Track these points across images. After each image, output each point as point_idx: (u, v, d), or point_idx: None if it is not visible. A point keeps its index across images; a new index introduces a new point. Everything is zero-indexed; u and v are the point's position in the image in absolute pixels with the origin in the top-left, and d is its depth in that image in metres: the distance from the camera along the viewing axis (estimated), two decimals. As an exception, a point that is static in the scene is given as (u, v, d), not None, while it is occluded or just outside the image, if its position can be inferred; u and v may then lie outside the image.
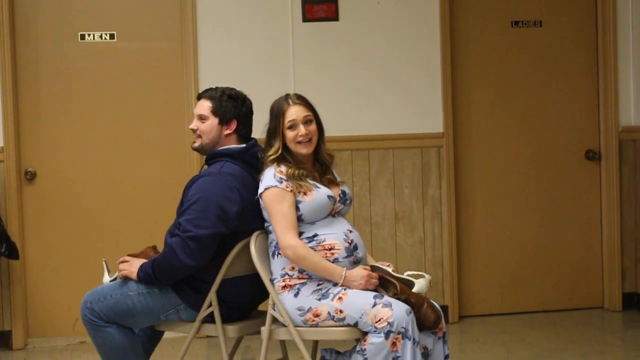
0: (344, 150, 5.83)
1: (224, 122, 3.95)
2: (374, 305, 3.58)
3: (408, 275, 3.80)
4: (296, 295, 3.72)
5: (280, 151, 3.78)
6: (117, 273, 3.96)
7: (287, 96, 3.85)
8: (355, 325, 3.62)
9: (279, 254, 3.76)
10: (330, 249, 3.72)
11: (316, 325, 3.70)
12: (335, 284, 3.69)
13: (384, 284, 3.70)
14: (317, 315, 3.68)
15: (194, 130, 4.01)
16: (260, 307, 4.06)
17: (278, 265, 3.78)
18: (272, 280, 3.80)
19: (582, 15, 6.23)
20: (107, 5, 5.80)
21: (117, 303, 3.85)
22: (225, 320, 3.86)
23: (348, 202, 3.91)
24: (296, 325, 3.73)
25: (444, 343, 3.77)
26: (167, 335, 4.23)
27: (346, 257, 3.74)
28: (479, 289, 6.16)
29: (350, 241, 3.77)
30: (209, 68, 5.75)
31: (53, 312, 5.75)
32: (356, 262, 3.77)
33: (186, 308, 3.87)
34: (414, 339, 3.54)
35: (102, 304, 3.86)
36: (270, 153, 3.80)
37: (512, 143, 6.18)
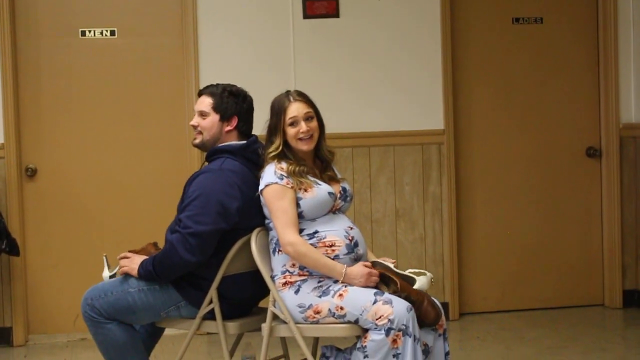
0: (345, 147, 5.83)
1: (224, 118, 3.95)
2: (375, 302, 3.58)
3: (410, 272, 3.80)
4: (297, 292, 3.72)
5: (281, 148, 3.78)
6: (117, 268, 3.96)
7: (287, 93, 3.85)
8: (356, 322, 3.62)
9: (279, 250, 3.76)
10: (331, 246, 3.72)
11: (317, 322, 3.70)
12: (336, 281, 3.69)
13: (384, 280, 3.69)
14: (318, 312, 3.68)
15: (194, 127, 4.00)
16: (261, 304, 4.07)
17: (279, 262, 3.78)
18: (272, 277, 3.80)
19: (583, 12, 6.23)
20: (107, 2, 5.80)
21: (117, 300, 3.85)
22: (226, 317, 3.85)
23: (349, 198, 3.91)
24: (297, 322, 3.73)
25: (445, 340, 3.77)
26: (168, 332, 4.22)
27: (347, 254, 3.74)
28: (480, 286, 6.16)
29: (351, 238, 3.77)
30: (210, 64, 5.74)
31: (54, 309, 5.75)
32: (357, 259, 3.77)
33: (187, 305, 3.87)
34: (414, 336, 3.54)
35: (102, 300, 3.86)
36: (270, 150, 3.79)
37: (513, 140, 6.17)
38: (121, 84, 5.80)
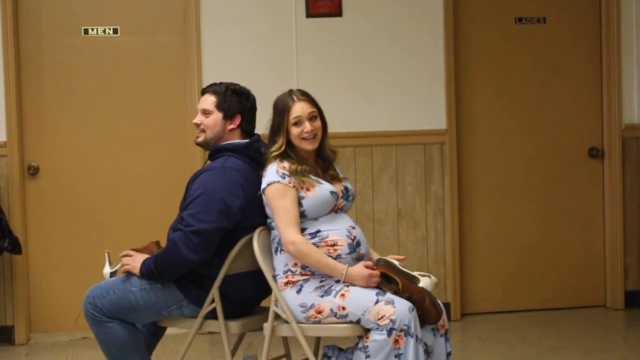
0: (347, 147, 5.83)
1: (228, 117, 3.95)
2: (377, 302, 3.57)
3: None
4: (299, 291, 3.72)
5: (283, 147, 3.78)
6: (118, 265, 3.96)
7: (291, 92, 3.84)
8: (358, 322, 3.62)
9: (281, 250, 3.76)
10: (333, 245, 3.72)
11: (319, 322, 3.70)
12: (338, 281, 3.68)
13: (387, 279, 3.69)
14: (320, 312, 3.68)
15: (197, 125, 4.00)
16: (263, 304, 4.06)
17: (281, 261, 3.78)
18: (274, 277, 3.80)
19: (585, 12, 6.22)
20: (110, 0, 5.80)
21: (119, 298, 3.85)
22: (228, 316, 3.85)
23: (351, 198, 3.90)
24: (298, 322, 3.72)
25: (446, 340, 3.77)
26: (170, 331, 4.22)
27: (349, 253, 3.74)
28: (481, 286, 6.15)
29: (353, 237, 3.77)
30: (212, 63, 5.74)
31: (55, 308, 5.75)
32: (359, 259, 3.77)
33: (189, 304, 3.87)
34: (416, 336, 3.54)
35: (104, 299, 3.86)
36: (273, 149, 3.79)
37: (515, 140, 6.17)
38: (124, 83, 5.80)
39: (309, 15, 5.85)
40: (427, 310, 3.63)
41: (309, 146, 3.80)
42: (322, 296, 3.68)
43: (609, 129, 6.19)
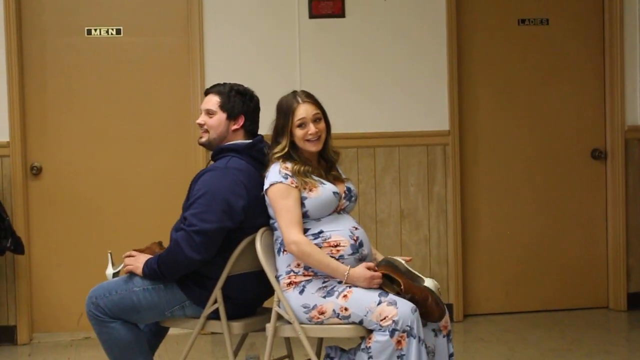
0: (350, 148, 5.83)
1: (231, 117, 3.95)
2: (379, 303, 3.57)
3: None
4: (301, 292, 3.72)
5: (287, 149, 3.77)
6: (121, 266, 3.96)
7: (295, 93, 3.84)
8: (360, 323, 3.61)
9: (284, 250, 3.76)
10: (335, 246, 3.72)
11: (321, 323, 3.70)
12: (341, 281, 3.68)
13: (390, 280, 3.68)
14: (322, 313, 3.68)
15: (201, 125, 4.00)
16: (265, 304, 4.06)
17: (283, 262, 3.78)
18: (277, 277, 3.79)
19: (589, 14, 6.22)
20: (113, 1, 5.80)
21: (122, 299, 3.85)
22: (230, 317, 3.85)
23: (353, 198, 3.90)
24: (301, 323, 3.72)
25: (449, 341, 3.77)
26: (172, 331, 4.23)
27: (352, 254, 3.74)
28: (484, 287, 6.15)
29: (355, 238, 3.77)
30: (215, 64, 5.74)
31: (58, 308, 5.75)
32: (361, 259, 3.77)
33: (191, 304, 3.87)
34: (419, 337, 3.54)
35: (107, 299, 3.86)
36: (276, 151, 3.79)
37: (518, 141, 6.17)
38: (126, 83, 5.80)
39: (311, 16, 5.86)
40: (430, 309, 3.63)
41: (313, 148, 3.80)
42: (324, 297, 3.68)
43: (612, 130, 6.19)
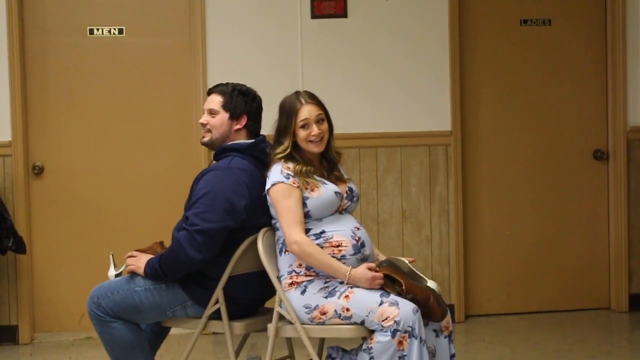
0: (352, 148, 5.82)
1: (234, 117, 3.95)
2: (381, 303, 3.57)
3: None
4: (303, 292, 3.72)
5: (289, 150, 3.77)
6: (123, 267, 3.96)
7: (298, 94, 3.84)
8: (362, 323, 3.61)
9: (286, 250, 3.76)
10: (337, 246, 3.72)
11: (323, 323, 3.69)
12: (342, 282, 3.68)
13: (391, 280, 3.68)
14: (324, 313, 3.68)
15: (203, 125, 4.01)
16: (267, 304, 4.06)
17: (285, 262, 3.78)
18: (279, 278, 3.79)
19: (591, 14, 6.22)
20: (115, 0, 5.80)
21: (124, 298, 3.85)
22: (232, 317, 3.85)
23: (355, 199, 3.90)
24: (303, 323, 3.72)
25: (450, 342, 3.77)
26: (174, 331, 4.23)
27: (353, 254, 3.74)
28: (486, 288, 6.15)
29: (357, 238, 3.77)
30: (217, 64, 5.74)
31: (59, 307, 5.75)
32: (363, 260, 3.77)
33: (193, 304, 3.87)
34: (420, 337, 3.53)
35: (109, 299, 3.86)
36: (278, 151, 3.79)
37: (520, 142, 6.16)
38: (129, 83, 5.80)
39: (314, 16, 5.85)
40: (432, 309, 3.63)
41: (316, 149, 3.80)
42: (326, 297, 3.68)
43: (614, 131, 6.18)
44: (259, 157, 3.91)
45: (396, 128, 5.94)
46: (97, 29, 5.77)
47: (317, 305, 3.68)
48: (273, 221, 3.84)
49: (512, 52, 6.14)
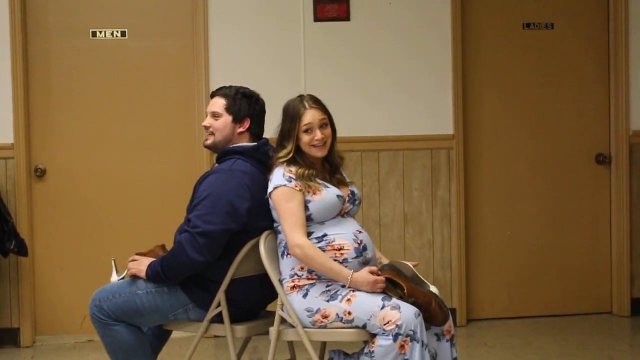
0: (354, 151, 5.82)
1: (237, 120, 3.95)
2: (383, 307, 3.57)
3: None
4: (305, 296, 3.72)
5: (292, 154, 3.77)
6: (125, 272, 3.96)
7: (301, 98, 3.84)
8: (364, 327, 3.61)
9: (288, 254, 3.76)
10: (339, 249, 3.72)
11: (324, 327, 3.69)
12: (344, 285, 3.68)
13: (393, 284, 3.68)
14: (326, 317, 3.67)
15: (206, 128, 4.01)
16: (269, 308, 4.06)
17: (287, 265, 3.78)
18: (280, 281, 3.79)
19: (593, 18, 6.22)
20: (118, 3, 5.80)
21: (125, 301, 3.85)
22: (234, 320, 3.85)
23: (357, 202, 3.90)
24: (304, 326, 3.72)
25: (452, 346, 3.76)
26: (175, 334, 4.23)
27: (355, 257, 3.74)
28: (487, 292, 6.14)
29: (359, 242, 3.77)
30: (220, 66, 5.74)
31: (61, 310, 5.75)
32: (365, 263, 3.77)
33: (195, 307, 3.87)
34: (422, 341, 3.53)
35: (110, 302, 3.86)
36: (281, 155, 3.79)
37: (522, 145, 6.16)
38: (131, 85, 5.81)
39: (316, 19, 5.85)
40: (434, 313, 3.63)
41: (319, 153, 3.80)
42: (328, 301, 3.68)
43: (617, 135, 6.18)
44: (261, 160, 3.91)
45: (398, 131, 5.93)
46: (100, 32, 5.77)
47: (319, 308, 3.68)
48: (275, 224, 3.84)
49: (515, 56, 6.14)
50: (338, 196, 3.78)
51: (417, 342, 3.52)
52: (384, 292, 3.67)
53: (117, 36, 5.79)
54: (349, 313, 3.62)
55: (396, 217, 5.94)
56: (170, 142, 5.83)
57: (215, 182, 3.82)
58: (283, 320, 3.78)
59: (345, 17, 5.88)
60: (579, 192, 6.23)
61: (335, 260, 3.70)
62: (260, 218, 3.84)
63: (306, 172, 3.76)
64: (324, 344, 4.01)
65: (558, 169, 6.21)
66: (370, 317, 3.58)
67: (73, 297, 5.69)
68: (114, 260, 4.06)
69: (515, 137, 6.15)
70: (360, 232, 3.81)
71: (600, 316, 6.21)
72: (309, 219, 3.74)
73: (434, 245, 5.98)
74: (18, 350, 5.59)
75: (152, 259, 3.87)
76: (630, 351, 5.49)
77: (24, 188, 5.61)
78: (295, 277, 3.75)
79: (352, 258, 3.73)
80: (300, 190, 3.73)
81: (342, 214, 3.83)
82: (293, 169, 3.76)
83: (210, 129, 3.99)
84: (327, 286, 3.71)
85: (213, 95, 4.04)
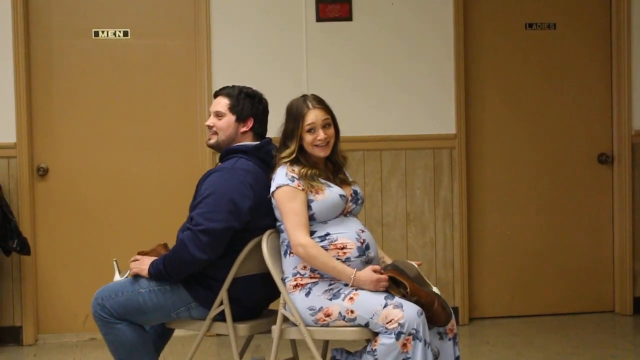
0: (356, 151, 5.83)
1: (240, 119, 3.96)
2: (385, 306, 3.57)
3: None
4: (307, 294, 3.72)
5: (295, 154, 3.78)
6: (127, 272, 3.96)
7: (305, 98, 3.84)
8: (366, 325, 3.61)
9: (290, 252, 3.76)
10: (342, 249, 3.72)
11: (327, 325, 3.70)
12: (347, 284, 3.69)
13: (396, 283, 3.68)
14: (328, 315, 3.68)
15: (210, 127, 4.01)
16: (271, 306, 4.06)
17: (290, 264, 3.78)
18: (283, 279, 3.80)
19: (596, 18, 6.22)
20: (121, 3, 5.81)
21: (128, 300, 3.85)
22: (236, 318, 3.85)
23: (360, 201, 3.91)
24: (307, 325, 3.72)
25: (455, 345, 3.76)
26: (178, 333, 4.23)
27: (358, 256, 3.74)
28: (490, 291, 6.14)
29: (362, 241, 3.77)
30: (222, 66, 5.75)
31: (63, 308, 5.76)
32: (368, 262, 3.77)
33: (197, 306, 3.87)
34: (424, 340, 3.53)
35: (113, 300, 3.86)
36: (284, 155, 3.79)
37: (525, 145, 6.16)
38: (134, 85, 5.81)
39: (319, 19, 5.86)
40: (436, 313, 3.63)
41: (322, 153, 3.81)
42: (330, 299, 3.68)
43: (619, 135, 6.18)
44: (264, 159, 3.92)
45: (401, 131, 5.94)
46: (102, 32, 5.78)
47: (322, 307, 3.69)
48: (277, 223, 3.84)
49: (517, 56, 6.15)
50: (341, 196, 3.79)
51: (420, 341, 3.52)
52: (386, 291, 3.67)
53: (119, 36, 5.79)
54: (352, 311, 3.63)
55: (398, 217, 5.95)
56: (172, 142, 5.84)
57: (218, 180, 3.82)
58: (285, 319, 3.78)
59: (348, 17, 5.89)
60: (582, 191, 6.23)
61: (337, 259, 3.70)
62: (262, 217, 3.85)
63: (309, 171, 3.76)
64: (326, 342, 4.01)
65: (560, 168, 6.21)
66: (373, 315, 3.58)
67: (75, 296, 5.70)
68: (116, 261, 4.07)
69: (518, 137, 6.15)
70: (362, 231, 3.81)
71: (602, 315, 6.21)
72: (311, 218, 3.74)
73: (436, 245, 5.99)
74: (20, 348, 5.60)
75: (154, 258, 3.88)
76: (633, 350, 5.49)
77: (26, 187, 5.61)
78: (298, 275, 3.75)
79: (355, 257, 3.73)
80: (303, 189, 3.73)
81: (345, 213, 3.83)
82: (296, 168, 3.76)
83: (214, 129, 3.99)
84: (330, 285, 3.71)
85: (216, 95, 4.05)
